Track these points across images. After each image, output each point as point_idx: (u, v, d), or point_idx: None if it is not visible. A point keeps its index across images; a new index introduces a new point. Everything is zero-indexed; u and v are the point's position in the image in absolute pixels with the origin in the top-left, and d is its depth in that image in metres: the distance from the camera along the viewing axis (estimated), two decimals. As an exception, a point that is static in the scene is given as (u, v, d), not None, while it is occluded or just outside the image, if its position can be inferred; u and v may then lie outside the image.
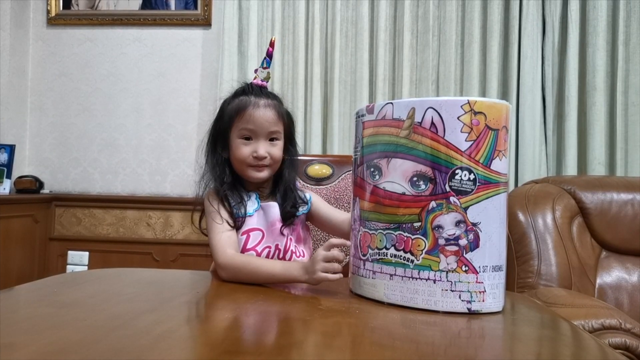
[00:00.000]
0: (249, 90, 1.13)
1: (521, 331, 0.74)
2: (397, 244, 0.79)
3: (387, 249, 0.80)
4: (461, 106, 0.75)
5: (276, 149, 1.11)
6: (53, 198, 2.75)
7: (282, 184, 1.14)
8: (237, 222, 1.08)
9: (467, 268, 0.75)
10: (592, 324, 1.26)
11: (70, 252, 2.74)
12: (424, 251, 0.76)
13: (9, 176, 2.59)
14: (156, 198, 2.73)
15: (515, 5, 2.38)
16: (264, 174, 1.11)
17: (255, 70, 1.17)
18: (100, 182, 2.79)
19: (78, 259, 2.73)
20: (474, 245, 0.76)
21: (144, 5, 2.75)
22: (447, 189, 0.75)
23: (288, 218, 1.12)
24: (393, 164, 0.79)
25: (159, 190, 2.76)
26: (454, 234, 0.75)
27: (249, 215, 1.09)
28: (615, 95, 2.30)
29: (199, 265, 2.59)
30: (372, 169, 0.83)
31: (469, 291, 0.76)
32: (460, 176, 0.75)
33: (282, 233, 1.11)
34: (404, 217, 0.78)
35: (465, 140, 0.75)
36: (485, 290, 0.76)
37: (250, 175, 1.11)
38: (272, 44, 1.18)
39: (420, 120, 0.77)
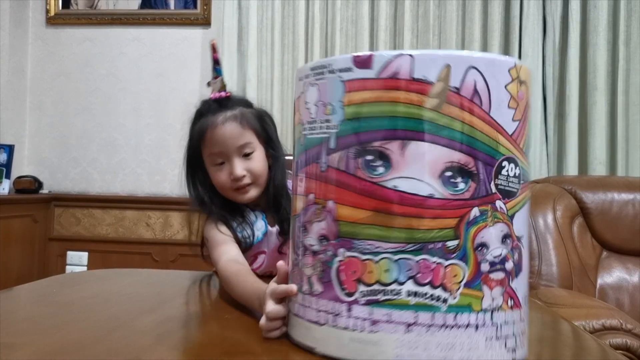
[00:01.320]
0: (206, 108, 1.01)
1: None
2: (419, 276, 0.52)
3: (401, 283, 0.53)
4: (509, 70, 0.55)
5: (254, 163, 0.98)
6: (52, 198, 2.75)
7: (271, 191, 1.01)
8: (243, 244, 0.98)
9: (512, 302, 0.55)
10: (592, 324, 1.25)
11: (69, 253, 2.73)
12: (462, 284, 0.52)
13: (8, 176, 2.59)
14: (155, 198, 2.72)
15: (515, 5, 2.38)
16: (251, 193, 0.99)
17: (208, 84, 1.05)
18: (100, 182, 2.79)
19: (77, 260, 2.72)
20: (519, 268, 0.56)
21: (143, 5, 2.75)
22: (493, 189, 0.54)
23: (287, 232, 0.98)
24: (412, 149, 0.53)
25: (158, 190, 2.75)
26: (500, 254, 0.54)
27: (259, 241, 1.01)
28: (616, 94, 2.30)
29: (198, 266, 2.58)
30: (368, 157, 0.54)
31: (514, 335, 0.55)
32: (507, 170, 0.55)
33: (280, 252, 1.02)
34: (431, 233, 0.52)
35: (512, 120, 0.55)
36: (525, 331, 0.57)
37: (237, 199, 1.00)
38: (213, 49, 1.04)
39: (458, 85, 0.53)
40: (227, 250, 0.93)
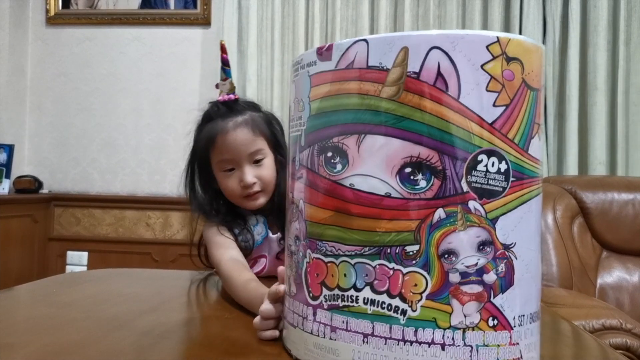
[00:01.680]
0: (215, 111, 0.98)
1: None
2: (375, 283, 0.47)
3: (358, 289, 0.48)
4: (487, 46, 0.46)
5: (265, 170, 0.97)
6: (52, 198, 2.74)
7: (276, 198, 0.99)
8: (243, 248, 0.96)
9: (496, 322, 0.46)
10: (592, 324, 1.25)
11: (69, 253, 2.73)
12: (424, 295, 0.46)
13: (8, 176, 2.59)
14: (155, 198, 2.72)
15: (515, 5, 2.38)
16: (261, 200, 0.98)
17: (217, 86, 1.01)
18: (100, 182, 2.79)
19: (77, 259, 2.72)
20: (506, 282, 0.47)
21: (143, 5, 2.75)
22: (464, 187, 0.46)
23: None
24: (368, 144, 0.48)
25: (158, 190, 2.75)
26: (476, 263, 0.46)
27: (258, 245, 1.00)
28: (616, 94, 2.30)
29: (198, 266, 2.59)
30: (328, 154, 0.50)
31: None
32: (486, 165, 0.46)
33: (278, 258, 1.01)
34: (388, 236, 0.47)
35: (494, 105, 0.46)
36: (521, 357, 0.48)
37: (245, 206, 0.99)
38: (223, 49, 1.01)
39: (417, 70, 0.46)
40: (228, 252, 0.92)
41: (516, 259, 0.47)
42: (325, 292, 0.50)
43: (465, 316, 0.46)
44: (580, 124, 2.34)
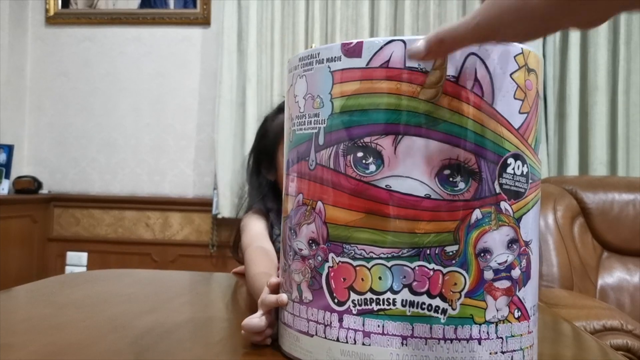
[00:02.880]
0: None
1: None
2: (415, 284, 0.47)
3: (395, 292, 0.48)
4: (514, 57, 0.49)
5: None
6: (52, 198, 2.74)
7: None
8: (275, 243, 0.96)
9: (520, 313, 0.50)
10: (593, 325, 1.25)
11: (69, 253, 2.73)
12: (462, 293, 0.47)
13: (7, 176, 2.58)
14: (155, 198, 2.72)
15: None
16: None
17: None
18: (99, 182, 2.79)
19: (77, 260, 2.72)
20: (527, 276, 0.50)
21: (142, 4, 2.75)
22: (497, 189, 0.48)
23: None
24: (406, 146, 0.47)
25: (158, 190, 2.75)
26: (506, 261, 0.48)
27: None
28: (617, 94, 2.30)
29: (198, 267, 2.59)
30: (358, 154, 0.49)
31: (521, 349, 0.50)
32: (514, 168, 0.49)
33: None
34: (427, 237, 0.47)
35: (519, 112, 0.49)
36: (533, 344, 0.52)
37: None
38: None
39: (456, 74, 0.47)
40: (258, 241, 0.92)
41: (532, 254, 0.51)
42: (354, 297, 0.49)
43: (497, 310, 0.48)
44: (581, 124, 2.35)
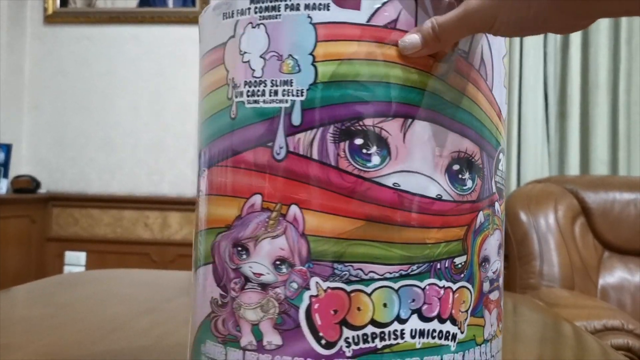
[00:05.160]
0: None
1: (523, 332, 0.74)
2: (424, 308, 0.37)
3: (403, 321, 0.36)
4: (504, 40, 0.43)
5: None
6: (50, 198, 2.73)
7: None
8: None
9: (501, 325, 0.43)
10: (594, 325, 1.25)
11: (67, 253, 2.72)
12: (469, 312, 0.39)
13: (5, 176, 2.58)
14: (154, 198, 2.71)
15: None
16: None
17: None
18: (98, 182, 2.78)
19: (75, 260, 2.71)
20: (503, 282, 0.45)
21: (141, 3, 2.74)
22: (494, 187, 0.41)
23: None
24: (417, 132, 0.37)
25: (157, 190, 2.74)
26: (497, 269, 0.42)
27: None
28: (618, 93, 2.30)
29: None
30: (357, 141, 0.36)
31: None
32: (502, 164, 0.43)
33: None
34: (437, 248, 0.37)
35: (505, 102, 0.43)
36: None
37: None
38: None
39: (467, 50, 0.38)
40: None
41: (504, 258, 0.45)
42: (349, 333, 0.36)
43: (491, 326, 0.41)
44: (582, 123, 2.34)
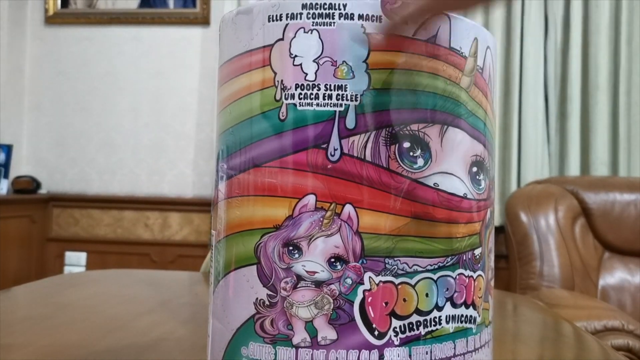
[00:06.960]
0: None
1: (523, 333, 0.73)
2: (455, 295, 0.42)
3: (440, 308, 0.41)
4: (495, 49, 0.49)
5: None
6: (50, 198, 2.74)
7: None
8: None
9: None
10: (594, 325, 1.25)
11: (67, 253, 2.72)
12: (482, 297, 0.44)
13: (6, 176, 2.58)
14: (154, 198, 2.71)
15: (517, 4, 2.38)
16: None
17: None
18: (98, 183, 2.78)
19: (75, 260, 2.71)
20: None
21: (142, 4, 2.74)
22: (492, 188, 0.48)
23: None
24: (450, 137, 0.41)
25: (157, 190, 2.75)
26: (493, 258, 0.49)
27: None
28: (618, 94, 2.30)
29: (197, 267, 2.58)
30: (405, 144, 0.40)
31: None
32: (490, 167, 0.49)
33: None
34: (463, 242, 0.42)
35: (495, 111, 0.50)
36: None
37: None
38: None
39: (482, 65, 0.43)
40: None
41: None
42: (396, 323, 0.39)
43: (492, 309, 0.46)
44: (582, 124, 2.34)
